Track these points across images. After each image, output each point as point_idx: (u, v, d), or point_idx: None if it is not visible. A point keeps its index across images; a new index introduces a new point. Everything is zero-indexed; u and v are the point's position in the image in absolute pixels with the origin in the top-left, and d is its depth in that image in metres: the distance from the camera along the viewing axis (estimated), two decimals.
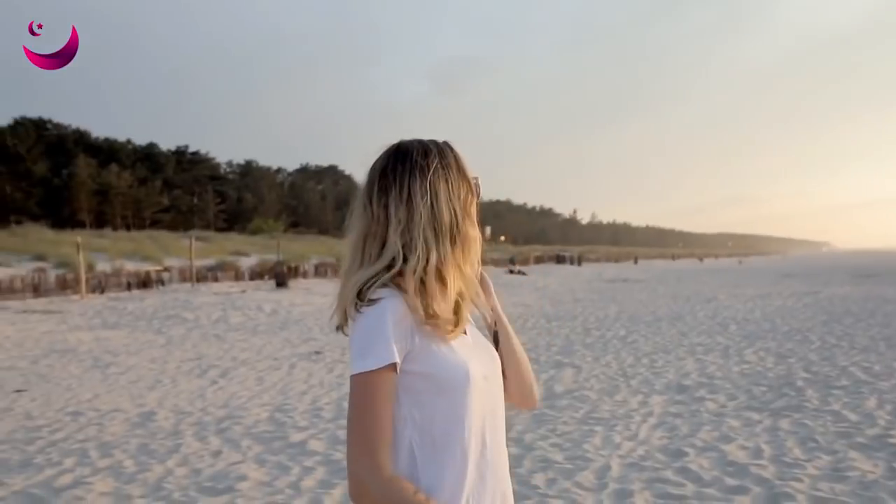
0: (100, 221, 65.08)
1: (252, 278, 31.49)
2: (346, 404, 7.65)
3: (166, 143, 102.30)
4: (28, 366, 10.87)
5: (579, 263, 67.70)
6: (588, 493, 4.79)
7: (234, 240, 47.53)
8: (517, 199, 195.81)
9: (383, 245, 1.48)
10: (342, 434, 6.46)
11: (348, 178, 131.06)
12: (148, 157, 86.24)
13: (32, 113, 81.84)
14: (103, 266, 27.28)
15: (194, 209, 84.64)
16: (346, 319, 1.48)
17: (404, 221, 1.47)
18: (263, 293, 25.35)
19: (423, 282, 1.46)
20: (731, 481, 4.98)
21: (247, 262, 35.56)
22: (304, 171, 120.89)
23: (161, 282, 26.28)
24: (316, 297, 24.47)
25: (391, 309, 1.42)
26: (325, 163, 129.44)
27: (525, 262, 60.77)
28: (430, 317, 1.44)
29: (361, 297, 1.44)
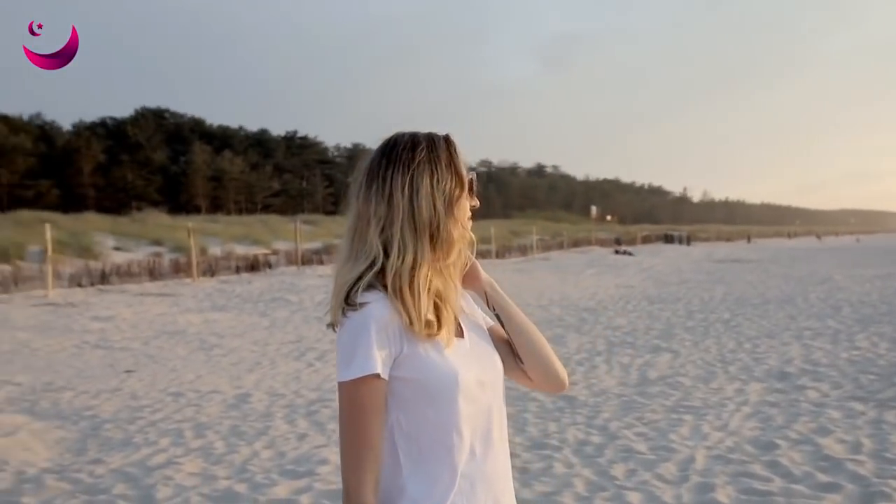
0: (214, 206, 67.62)
1: None
2: None
3: (277, 129, 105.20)
4: (140, 347, 11.41)
5: (689, 243, 65.92)
6: (668, 486, 4.65)
7: (341, 223, 48.41)
8: (626, 178, 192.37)
9: (366, 242, 1.45)
10: None
11: None
12: (259, 142, 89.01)
13: (152, 104, 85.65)
14: (215, 250, 28.38)
15: (303, 193, 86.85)
16: (337, 319, 1.45)
17: (384, 218, 1.43)
18: None
19: (400, 281, 1.42)
20: (823, 477, 4.73)
21: None
22: None
23: (269, 265, 27.10)
24: None
25: (376, 314, 1.38)
26: None
27: (632, 242, 59.65)
28: (411, 319, 1.40)
29: (349, 300, 1.41)
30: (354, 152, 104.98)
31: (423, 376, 1.40)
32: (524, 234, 49.72)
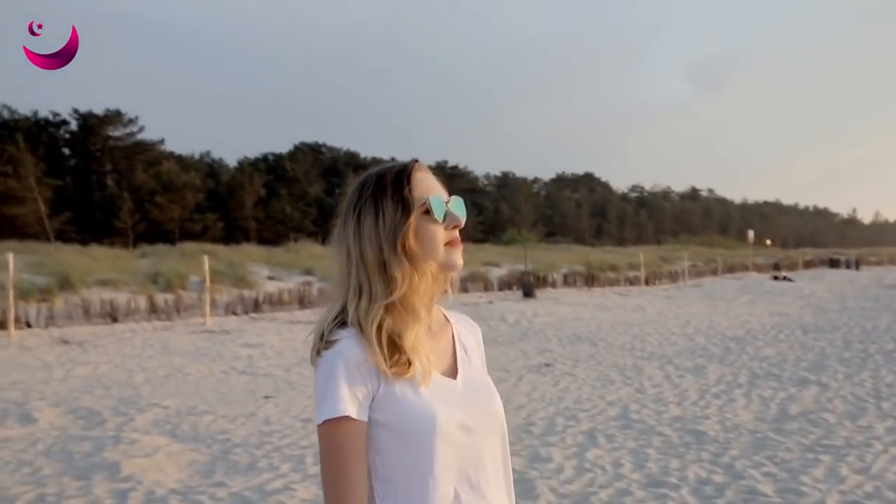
0: None
1: (501, 288, 32.10)
2: (560, 420, 7.55)
3: (427, 159, 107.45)
4: (281, 373, 11.84)
5: (857, 267, 61.82)
6: None
7: (487, 251, 48.82)
8: (787, 200, 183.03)
9: (337, 287, 1.46)
10: (545, 452, 6.37)
11: (605, 186, 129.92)
12: None
13: (309, 139, 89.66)
14: None
15: None
16: (314, 359, 1.44)
17: (344, 263, 1.44)
18: (510, 303, 25.73)
19: (360, 322, 1.39)
20: None
21: (497, 273, 36.36)
22: (559, 179, 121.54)
23: None
24: (562, 306, 24.44)
25: (346, 352, 1.36)
26: (580, 170, 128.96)
27: (793, 266, 56.60)
28: (377, 359, 1.36)
29: (323, 338, 1.39)
30: (504, 180, 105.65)
31: (397, 418, 1.36)
32: (675, 260, 48.19)
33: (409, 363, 1.38)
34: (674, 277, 40.95)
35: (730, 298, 27.50)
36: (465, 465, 1.39)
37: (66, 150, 59.23)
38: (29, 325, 17.04)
